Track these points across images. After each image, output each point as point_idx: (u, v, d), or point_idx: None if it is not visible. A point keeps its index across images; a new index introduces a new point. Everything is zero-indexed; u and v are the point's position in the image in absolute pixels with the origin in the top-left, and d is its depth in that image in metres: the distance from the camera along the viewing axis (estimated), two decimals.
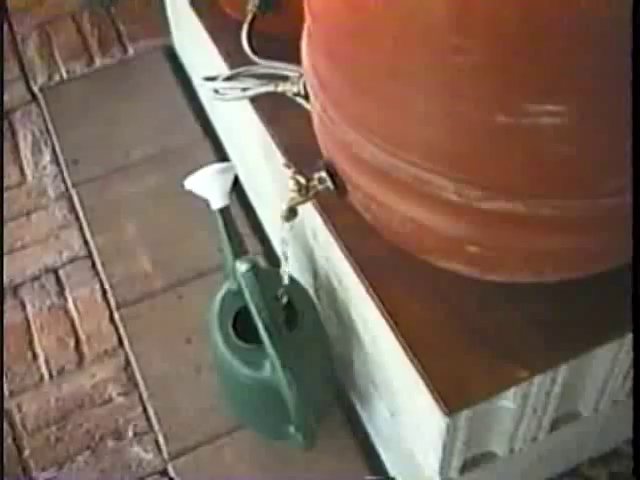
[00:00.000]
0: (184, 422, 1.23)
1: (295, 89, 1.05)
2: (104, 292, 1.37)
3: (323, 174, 0.91)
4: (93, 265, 1.40)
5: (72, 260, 1.42)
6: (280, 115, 1.15)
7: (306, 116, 1.12)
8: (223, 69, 1.27)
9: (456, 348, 0.91)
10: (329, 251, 1.07)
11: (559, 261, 0.84)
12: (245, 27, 1.15)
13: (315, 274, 1.21)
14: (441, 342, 0.92)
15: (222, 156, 1.52)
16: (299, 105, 1.12)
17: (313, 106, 0.91)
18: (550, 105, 0.67)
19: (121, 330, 1.33)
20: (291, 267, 1.14)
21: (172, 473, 1.20)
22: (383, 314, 0.95)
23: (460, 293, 0.94)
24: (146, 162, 1.51)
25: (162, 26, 1.65)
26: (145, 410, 1.25)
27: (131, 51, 1.69)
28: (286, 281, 1.03)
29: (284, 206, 0.93)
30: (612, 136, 0.70)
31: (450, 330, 0.92)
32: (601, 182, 0.73)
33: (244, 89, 1.13)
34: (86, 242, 1.43)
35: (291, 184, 0.91)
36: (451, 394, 0.88)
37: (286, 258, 1.01)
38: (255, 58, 1.15)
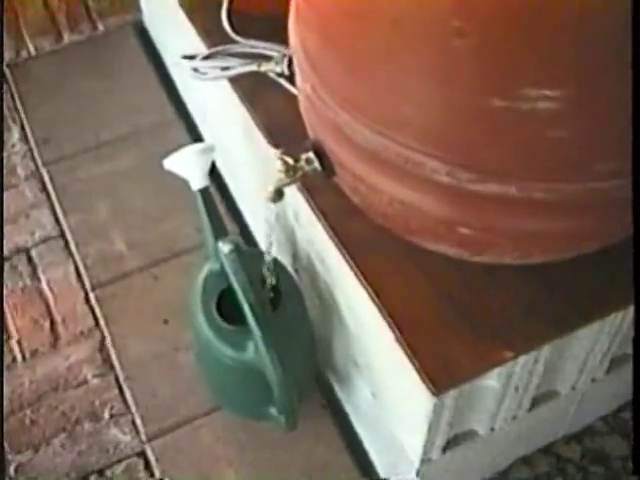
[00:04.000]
0: (161, 403, 1.23)
1: (278, 69, 1.05)
2: (78, 273, 1.35)
3: (310, 155, 0.91)
4: (66, 245, 1.38)
5: (44, 240, 1.39)
6: (261, 95, 1.14)
7: (287, 97, 1.13)
8: (199, 47, 1.26)
9: (442, 328, 0.92)
10: (312, 232, 1.07)
11: (548, 243, 0.85)
12: (225, 5, 1.14)
13: (295, 255, 1.20)
14: (427, 322, 0.92)
15: (196, 136, 1.51)
16: (280, 85, 1.12)
17: (301, 86, 0.90)
18: (547, 90, 0.68)
19: (97, 311, 1.31)
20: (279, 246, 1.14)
21: (150, 455, 1.19)
22: (369, 294, 0.95)
23: (446, 274, 0.95)
24: (118, 141, 1.48)
25: (132, 2, 1.62)
26: (121, 391, 1.24)
27: (101, 27, 1.66)
28: (270, 262, 1.03)
29: (270, 187, 0.92)
30: (605, 120, 0.71)
31: (436, 311, 0.93)
32: (592, 165, 0.74)
33: (224, 68, 1.12)
34: (58, 222, 1.41)
35: (278, 165, 0.91)
36: (438, 374, 0.88)
37: (270, 241, 1.01)
38: (235, 37, 1.14)
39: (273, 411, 1.11)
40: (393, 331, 0.92)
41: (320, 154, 0.91)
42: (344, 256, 0.98)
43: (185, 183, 1.26)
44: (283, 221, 1.17)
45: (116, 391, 1.24)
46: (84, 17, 1.66)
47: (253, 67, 1.06)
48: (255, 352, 1.02)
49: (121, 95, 1.54)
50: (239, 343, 1.04)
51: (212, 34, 1.23)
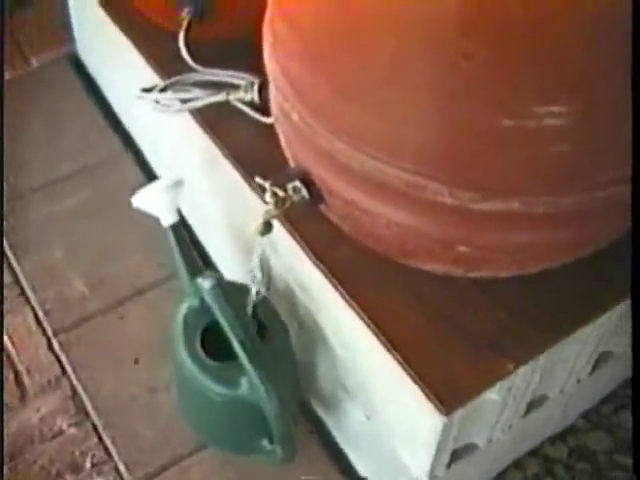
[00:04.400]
0: (144, 446, 1.18)
1: (248, 97, 1.03)
2: (38, 319, 1.29)
3: (297, 184, 0.90)
4: (22, 292, 1.32)
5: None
6: (226, 126, 1.11)
7: (255, 125, 1.11)
8: (150, 78, 1.23)
9: (441, 347, 0.92)
10: (292, 261, 1.05)
11: (546, 254, 0.86)
12: (182, 34, 1.11)
13: (269, 282, 1.18)
14: (426, 342, 0.92)
15: (147, 170, 1.47)
16: (245, 114, 1.10)
17: (281, 114, 0.88)
18: (554, 106, 0.69)
19: (62, 358, 1.25)
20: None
21: None
22: (363, 319, 0.94)
23: (439, 292, 0.94)
24: (67, 180, 1.43)
25: (65, 34, 1.57)
26: (101, 439, 1.19)
27: (34, 62, 1.60)
28: (259, 296, 1.01)
29: (260, 220, 0.90)
30: (608, 130, 0.72)
31: (433, 329, 0.93)
32: (594, 176, 0.75)
33: (185, 100, 1.09)
34: (11, 267, 1.35)
35: (268, 197, 0.89)
36: (445, 394, 0.88)
37: (263, 273, 0.98)
38: (195, 65, 1.11)
39: (265, 444, 1.08)
40: (393, 355, 0.91)
41: (307, 182, 0.90)
42: (333, 284, 0.97)
43: (141, 218, 1.23)
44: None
45: (95, 439, 1.19)
46: (15, 52, 1.59)
47: (221, 97, 1.03)
48: (248, 387, 1.00)
49: (64, 133, 1.49)
50: (230, 379, 1.01)
51: (164, 63, 1.20)
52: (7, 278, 1.33)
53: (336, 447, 1.21)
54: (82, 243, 1.37)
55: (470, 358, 0.90)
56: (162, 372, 1.23)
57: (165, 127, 1.31)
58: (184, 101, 1.08)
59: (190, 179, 1.28)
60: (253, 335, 1.01)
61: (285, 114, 0.87)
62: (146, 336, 1.28)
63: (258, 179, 0.89)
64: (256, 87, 1.02)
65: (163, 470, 1.17)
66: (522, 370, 0.93)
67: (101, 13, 1.35)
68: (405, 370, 0.90)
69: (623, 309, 0.98)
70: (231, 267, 1.28)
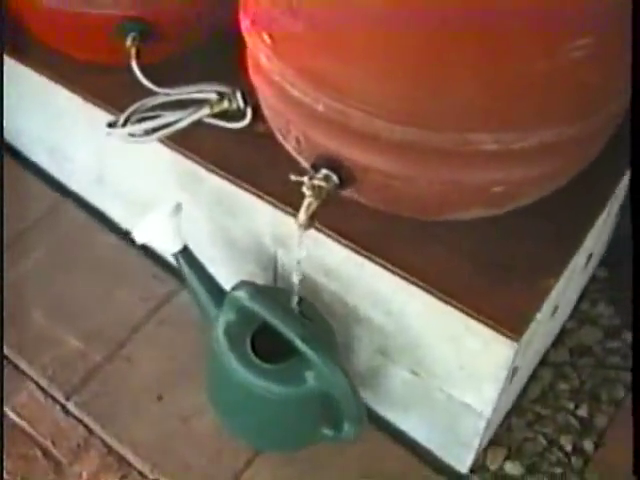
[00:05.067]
0: (201, 474, 1.18)
1: (234, 105, 1.04)
2: (43, 389, 1.24)
3: (326, 172, 0.93)
4: (16, 366, 1.26)
5: None
6: (197, 141, 1.12)
7: (224, 134, 1.12)
8: (91, 116, 1.21)
9: (488, 285, 0.99)
10: (315, 249, 1.08)
11: (555, 180, 0.96)
12: (134, 63, 1.10)
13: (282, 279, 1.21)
14: (473, 285, 0.99)
15: (93, 211, 1.44)
16: (208, 126, 1.11)
17: (301, 112, 0.90)
18: (580, 40, 0.77)
19: (84, 418, 1.22)
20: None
21: None
22: (412, 281, 1.00)
23: (467, 237, 1.02)
24: (17, 243, 1.37)
25: None
26: None
27: None
28: (297, 290, 1.04)
29: (303, 215, 0.93)
30: (620, 59, 0.81)
31: (474, 272, 1.00)
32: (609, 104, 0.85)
33: (160, 126, 1.08)
34: None
35: (306, 190, 0.92)
36: (511, 322, 0.96)
37: (299, 268, 1.01)
38: (158, 89, 1.10)
39: (326, 431, 1.12)
40: (452, 304, 0.97)
41: (336, 167, 0.94)
42: (369, 257, 1.02)
43: (104, 258, 1.22)
44: (259, 249, 1.18)
45: None
46: None
47: (204, 111, 1.04)
48: (315, 378, 1.03)
49: None
50: (294, 377, 1.04)
51: (108, 97, 1.19)
52: None
53: (381, 419, 1.26)
54: (60, 299, 1.33)
55: (516, 286, 0.99)
56: (189, 399, 1.24)
57: (117, 161, 1.29)
58: (158, 128, 1.07)
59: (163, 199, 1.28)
60: (309, 327, 1.04)
61: (307, 108, 0.89)
62: (159, 370, 1.27)
63: (293, 177, 0.92)
64: (239, 94, 1.03)
65: None
66: (558, 284, 1.03)
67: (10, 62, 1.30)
68: (468, 314, 0.97)
69: (604, 215, 1.11)
70: (227, 278, 1.29)
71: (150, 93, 1.13)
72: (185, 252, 1.10)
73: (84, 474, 1.18)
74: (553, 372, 1.34)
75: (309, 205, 0.93)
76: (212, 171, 1.12)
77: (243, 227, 1.17)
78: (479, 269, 1.01)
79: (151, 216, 1.08)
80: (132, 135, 1.08)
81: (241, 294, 1.05)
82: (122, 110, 1.14)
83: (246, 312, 1.06)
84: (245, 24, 0.96)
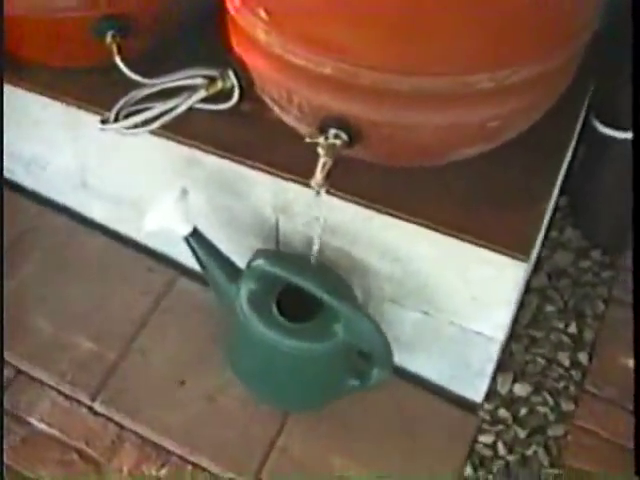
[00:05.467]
0: (238, 447, 1.22)
1: (229, 84, 1.08)
2: (66, 395, 1.25)
3: (334, 131, 0.99)
4: (32, 378, 1.27)
5: (9, 382, 1.26)
6: (189, 125, 1.15)
7: (212, 116, 1.16)
8: (73, 119, 1.23)
9: (490, 216, 1.07)
10: (316, 210, 1.13)
11: (536, 111, 1.04)
12: (118, 59, 1.12)
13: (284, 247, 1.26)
14: (477, 218, 1.07)
15: (75, 215, 1.45)
16: (196, 111, 1.15)
17: (308, 78, 0.94)
18: None
19: (113, 415, 1.24)
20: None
21: None
22: (421, 224, 1.07)
23: (462, 175, 1.10)
24: (11, 256, 1.37)
25: None
26: (196, 464, 1.20)
27: None
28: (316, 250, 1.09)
29: (320, 175, 0.98)
30: None
31: (475, 205, 1.08)
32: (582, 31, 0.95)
33: (155, 117, 1.11)
34: (9, 363, 1.28)
35: (321, 150, 0.97)
36: (518, 245, 1.05)
37: (320, 225, 1.06)
38: (146, 80, 1.13)
39: (353, 382, 1.18)
40: (463, 238, 1.05)
41: (345, 126, 0.99)
42: (377, 209, 1.08)
43: (91, 255, 1.23)
44: (266, 223, 1.22)
45: (190, 467, 1.20)
46: None
47: (201, 94, 1.07)
48: (345, 330, 1.09)
49: None
50: (324, 332, 1.10)
51: (92, 96, 1.21)
52: (10, 373, 1.27)
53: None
54: (62, 306, 1.34)
55: (515, 213, 1.07)
56: (211, 379, 1.28)
57: (101, 163, 1.31)
58: (156, 117, 1.10)
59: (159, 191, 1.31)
60: (332, 281, 1.09)
61: (311, 74, 0.94)
62: (175, 357, 1.30)
63: (308, 139, 0.97)
64: (231, 73, 1.07)
65: (266, 459, 1.22)
66: (548, 208, 1.12)
67: None
68: (479, 245, 1.05)
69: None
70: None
71: (134, 87, 1.16)
72: (196, 234, 1.14)
73: (125, 468, 1.20)
74: (538, 297, 1.44)
75: (324, 164, 0.99)
76: (209, 152, 1.16)
77: (243, 203, 1.21)
78: (479, 203, 1.09)
79: (160, 204, 1.11)
80: (130, 127, 1.11)
81: (262, 262, 1.09)
82: (108, 108, 1.16)
83: (267, 279, 1.11)
84: (234, 4, 1.00)
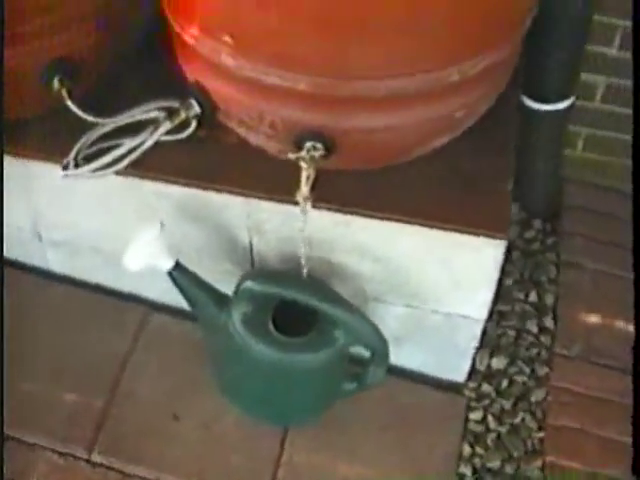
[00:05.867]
0: (243, 468, 1.22)
1: (192, 113, 1.07)
2: (60, 453, 1.22)
3: (311, 143, 1.01)
4: (20, 441, 1.22)
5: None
6: (152, 160, 1.14)
7: (173, 147, 1.15)
8: (24, 171, 1.20)
9: (458, 201, 1.12)
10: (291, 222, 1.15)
11: (494, 94, 1.10)
12: (69, 102, 1.10)
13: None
14: (447, 205, 1.12)
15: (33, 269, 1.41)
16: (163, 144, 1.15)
17: (287, 96, 0.96)
18: None
19: (113, 464, 1.21)
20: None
21: None
22: (401, 220, 1.10)
23: (422, 168, 1.13)
24: None
25: None
26: None
27: None
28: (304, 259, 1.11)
29: (305, 188, 1.00)
30: None
31: (440, 195, 1.13)
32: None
33: (121, 156, 1.09)
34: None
35: (304, 163, 0.99)
36: (493, 224, 1.10)
37: (305, 237, 1.09)
38: (101, 120, 1.11)
39: (349, 386, 1.21)
40: (445, 228, 1.10)
41: (318, 139, 1.01)
42: (353, 212, 1.11)
43: (65, 302, 1.21)
44: (240, 245, 1.22)
45: None
46: None
47: (165, 126, 1.06)
48: (344, 334, 1.11)
49: None
50: (325, 340, 1.11)
51: (44, 143, 1.18)
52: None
53: None
54: (36, 363, 1.29)
55: (485, 196, 1.13)
56: (203, 408, 1.28)
57: (56, 211, 1.27)
58: (119, 158, 1.08)
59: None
60: (324, 290, 1.11)
61: (285, 91, 0.96)
62: (163, 393, 1.29)
63: (291, 155, 0.99)
64: (193, 102, 1.07)
65: (275, 477, 1.22)
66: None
67: None
68: (457, 231, 1.09)
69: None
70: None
71: (85, 129, 1.14)
72: (179, 267, 1.13)
73: None
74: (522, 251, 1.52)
75: (308, 177, 1.01)
76: (175, 183, 1.15)
77: (215, 229, 1.21)
78: (448, 192, 1.14)
79: (138, 240, 1.10)
80: (98, 169, 1.08)
81: (251, 283, 1.10)
82: (61, 155, 1.14)
83: (259, 299, 1.11)
84: (192, 34, 1.00)
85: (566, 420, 1.34)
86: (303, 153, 0.98)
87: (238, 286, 1.11)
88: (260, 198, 1.13)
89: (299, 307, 1.11)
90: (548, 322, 1.45)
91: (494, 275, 1.16)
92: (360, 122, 0.99)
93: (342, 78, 0.94)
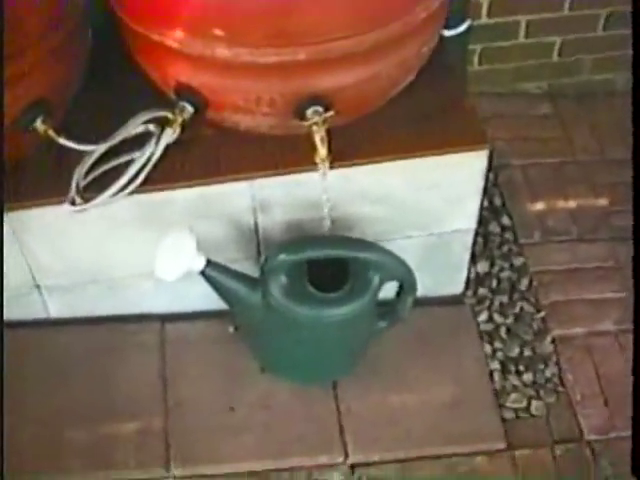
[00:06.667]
0: (314, 434, 1.29)
1: (187, 115, 1.10)
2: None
3: (313, 108, 1.08)
4: None
5: None
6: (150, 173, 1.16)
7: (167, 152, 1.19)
8: (17, 221, 1.19)
9: (431, 128, 1.23)
10: (294, 189, 1.22)
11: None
12: (63, 140, 1.10)
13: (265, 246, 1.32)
14: (423, 134, 1.22)
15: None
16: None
17: (286, 60, 1.01)
18: None
19: (194, 472, 1.24)
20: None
21: None
22: (392, 159, 1.20)
23: (393, 110, 1.22)
24: None
25: None
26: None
27: None
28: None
29: (323, 149, 1.07)
30: None
31: (418, 127, 1.23)
32: None
33: (135, 174, 1.10)
34: None
35: (317, 126, 1.06)
36: (473, 138, 1.22)
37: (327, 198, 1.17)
38: (93, 147, 1.12)
39: (382, 323, 1.29)
40: (434, 153, 1.20)
41: (319, 102, 1.08)
42: (356, 163, 1.19)
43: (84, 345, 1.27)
44: (245, 227, 1.27)
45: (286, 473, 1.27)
46: None
47: (168, 133, 1.08)
48: (379, 272, 1.18)
49: None
50: (364, 285, 1.18)
51: (35, 187, 1.18)
52: None
53: None
54: (75, 409, 1.29)
55: (454, 116, 1.24)
56: (252, 391, 1.34)
57: (54, 255, 1.26)
58: (134, 176, 1.10)
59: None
60: (349, 239, 1.20)
61: (284, 65, 1.02)
62: (210, 392, 1.33)
63: (306, 122, 1.05)
64: (186, 104, 1.09)
65: (342, 429, 1.30)
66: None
67: None
68: (446, 152, 1.21)
69: None
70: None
71: (72, 161, 1.15)
72: (211, 264, 1.16)
73: None
74: None
75: (322, 139, 1.08)
76: (179, 187, 1.19)
77: (219, 220, 1.25)
78: (424, 122, 1.24)
79: (168, 251, 1.11)
80: (115, 194, 1.09)
81: (285, 255, 1.15)
82: (56, 193, 1.15)
83: (291, 269, 1.17)
84: (177, 37, 1.04)
85: (555, 296, 1.52)
86: (312, 118, 1.06)
87: (267, 263, 1.16)
88: (264, 176, 1.19)
89: (328, 264, 1.18)
90: (506, 220, 1.60)
91: (480, 183, 1.28)
92: (351, 77, 1.08)
93: (332, 40, 1.02)
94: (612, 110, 1.82)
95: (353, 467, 1.28)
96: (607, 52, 1.73)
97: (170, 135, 1.11)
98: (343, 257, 1.18)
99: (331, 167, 1.17)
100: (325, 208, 1.16)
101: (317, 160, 1.09)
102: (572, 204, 1.65)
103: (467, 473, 1.30)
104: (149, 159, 1.10)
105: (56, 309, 1.38)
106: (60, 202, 1.16)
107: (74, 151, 1.14)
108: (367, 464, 1.29)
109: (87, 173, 1.16)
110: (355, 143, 1.20)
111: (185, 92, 1.10)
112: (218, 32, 1.01)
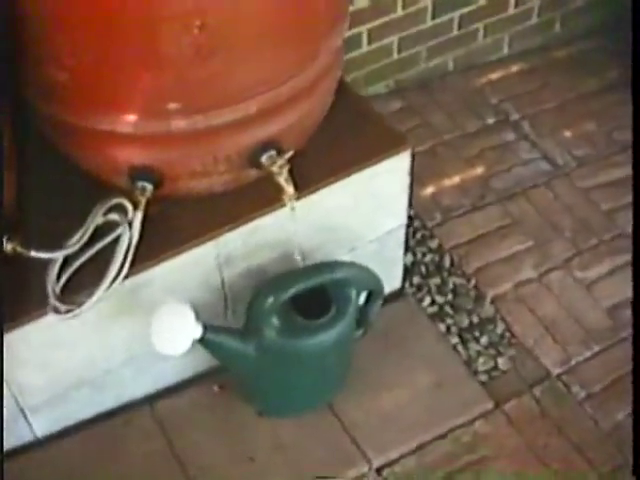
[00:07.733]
0: (328, 456, 1.34)
1: (148, 193, 1.11)
2: None
3: (268, 153, 1.13)
4: None
5: None
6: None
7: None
8: None
9: (351, 147, 1.32)
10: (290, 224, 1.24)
11: None
12: (34, 252, 1.08)
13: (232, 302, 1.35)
14: (346, 154, 1.31)
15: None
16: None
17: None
18: None
19: None
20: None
21: None
22: (333, 180, 1.28)
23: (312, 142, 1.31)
24: None
25: None
26: None
27: None
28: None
29: (290, 188, 1.13)
30: None
31: (336, 150, 1.31)
32: None
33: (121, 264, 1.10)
34: None
35: (276, 170, 1.13)
36: (391, 142, 1.33)
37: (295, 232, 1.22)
38: (55, 253, 1.12)
39: (358, 332, 1.37)
40: (352, 171, 1.29)
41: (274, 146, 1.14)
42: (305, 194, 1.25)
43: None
44: (213, 286, 1.29)
45: None
46: None
47: (139, 214, 1.09)
48: (357, 287, 1.27)
49: None
50: (346, 301, 1.26)
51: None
52: None
53: None
54: None
55: (373, 128, 1.34)
56: (262, 437, 1.37)
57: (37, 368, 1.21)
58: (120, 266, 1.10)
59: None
60: (323, 265, 1.26)
61: (236, 123, 1.07)
62: (225, 450, 1.35)
63: (275, 168, 1.10)
64: (146, 184, 1.10)
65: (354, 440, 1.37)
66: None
67: None
68: (372, 164, 1.30)
69: None
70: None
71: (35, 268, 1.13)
72: (208, 329, 1.18)
73: None
74: None
75: (286, 179, 1.14)
76: (156, 264, 1.19)
77: (191, 284, 1.27)
78: (347, 141, 1.33)
79: (160, 325, 1.13)
80: (107, 288, 1.09)
81: (272, 299, 1.19)
82: (28, 312, 1.13)
83: (278, 308, 1.21)
84: (130, 121, 1.05)
85: (476, 263, 1.67)
86: (268, 164, 1.11)
87: (255, 311, 1.21)
88: (228, 231, 1.23)
89: (307, 292, 1.23)
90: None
91: (406, 181, 1.39)
92: (296, 114, 1.15)
93: (281, 84, 1.08)
94: (451, 89, 2.04)
95: (379, 470, 1.35)
96: (437, 39, 1.92)
97: (140, 215, 1.12)
98: (324, 282, 1.25)
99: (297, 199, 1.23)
100: (295, 244, 1.22)
101: (285, 198, 1.15)
102: (456, 180, 1.81)
103: (471, 440, 1.41)
104: (129, 245, 1.11)
105: (41, 427, 1.32)
106: (40, 315, 1.14)
107: (33, 260, 1.13)
108: (389, 464, 1.36)
109: (58, 277, 1.15)
110: (304, 172, 1.24)
111: (141, 173, 1.12)
112: (173, 105, 1.05)
